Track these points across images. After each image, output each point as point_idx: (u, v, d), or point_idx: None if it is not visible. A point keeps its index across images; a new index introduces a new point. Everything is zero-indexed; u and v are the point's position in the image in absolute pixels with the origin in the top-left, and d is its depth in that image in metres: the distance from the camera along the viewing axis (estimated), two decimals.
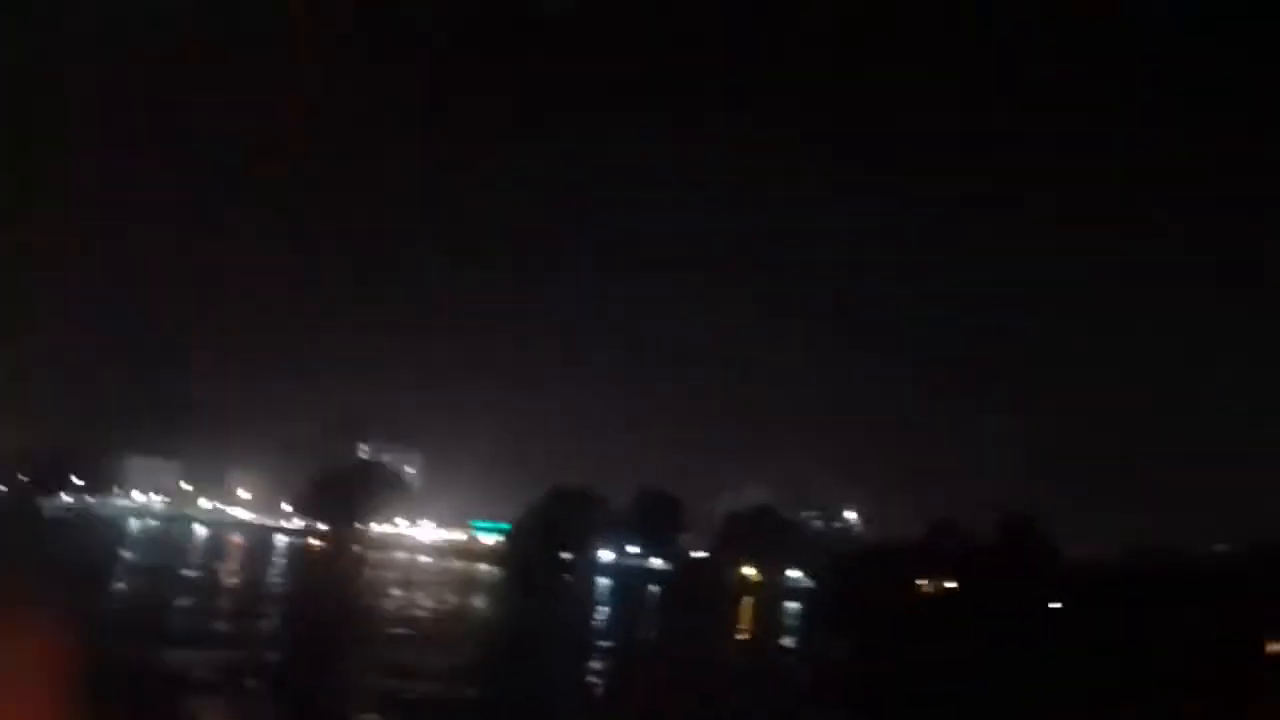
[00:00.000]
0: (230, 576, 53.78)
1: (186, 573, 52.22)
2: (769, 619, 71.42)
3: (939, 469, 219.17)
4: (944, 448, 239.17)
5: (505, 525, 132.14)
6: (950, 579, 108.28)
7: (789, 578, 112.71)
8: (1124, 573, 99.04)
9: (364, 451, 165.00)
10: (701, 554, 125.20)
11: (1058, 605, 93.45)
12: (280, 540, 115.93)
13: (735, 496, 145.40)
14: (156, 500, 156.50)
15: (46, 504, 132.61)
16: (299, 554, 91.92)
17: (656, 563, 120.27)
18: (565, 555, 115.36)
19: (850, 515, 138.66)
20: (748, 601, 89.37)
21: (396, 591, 56.95)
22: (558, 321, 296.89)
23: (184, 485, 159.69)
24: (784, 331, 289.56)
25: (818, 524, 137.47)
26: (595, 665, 34.83)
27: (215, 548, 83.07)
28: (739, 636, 56.49)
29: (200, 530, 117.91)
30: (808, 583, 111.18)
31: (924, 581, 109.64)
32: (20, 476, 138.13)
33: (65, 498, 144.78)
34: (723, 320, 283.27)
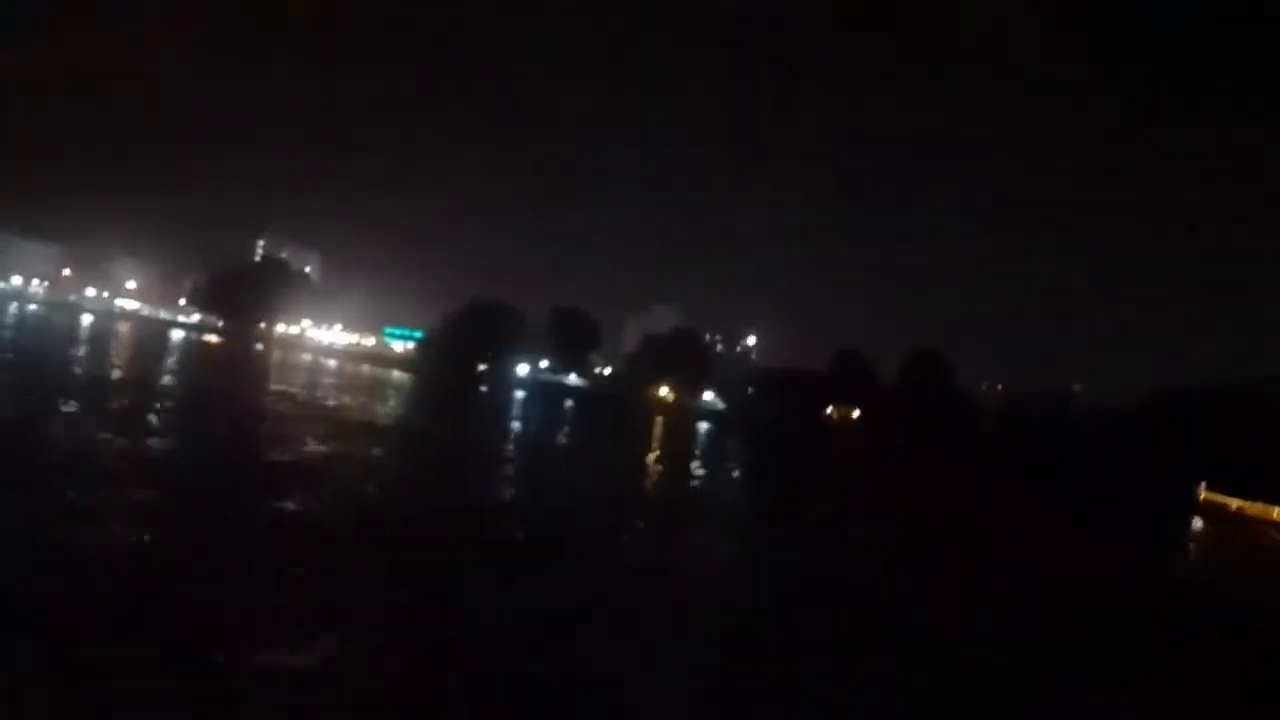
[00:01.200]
0: (119, 370, 49.74)
1: (70, 364, 48.05)
2: (681, 437, 71.60)
3: (839, 302, 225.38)
4: (845, 282, 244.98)
5: (419, 333, 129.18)
6: (856, 409, 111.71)
7: (703, 399, 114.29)
8: (1015, 411, 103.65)
9: (262, 247, 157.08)
10: (614, 371, 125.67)
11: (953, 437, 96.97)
12: (175, 334, 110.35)
13: (644, 316, 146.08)
14: (37, 286, 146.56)
15: None
16: (195, 350, 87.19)
17: (572, 379, 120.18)
18: (481, 367, 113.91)
19: (750, 340, 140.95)
20: (661, 420, 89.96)
21: (300, 392, 54.18)
22: (476, 135, 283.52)
23: (66, 272, 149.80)
24: (696, 160, 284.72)
25: (719, 347, 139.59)
26: (506, 473, 33.65)
27: (102, 338, 77.83)
28: (650, 453, 56.06)
29: (86, 319, 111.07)
30: (720, 405, 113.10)
31: (830, 410, 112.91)
32: None
33: None
34: (637, 146, 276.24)
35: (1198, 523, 55.67)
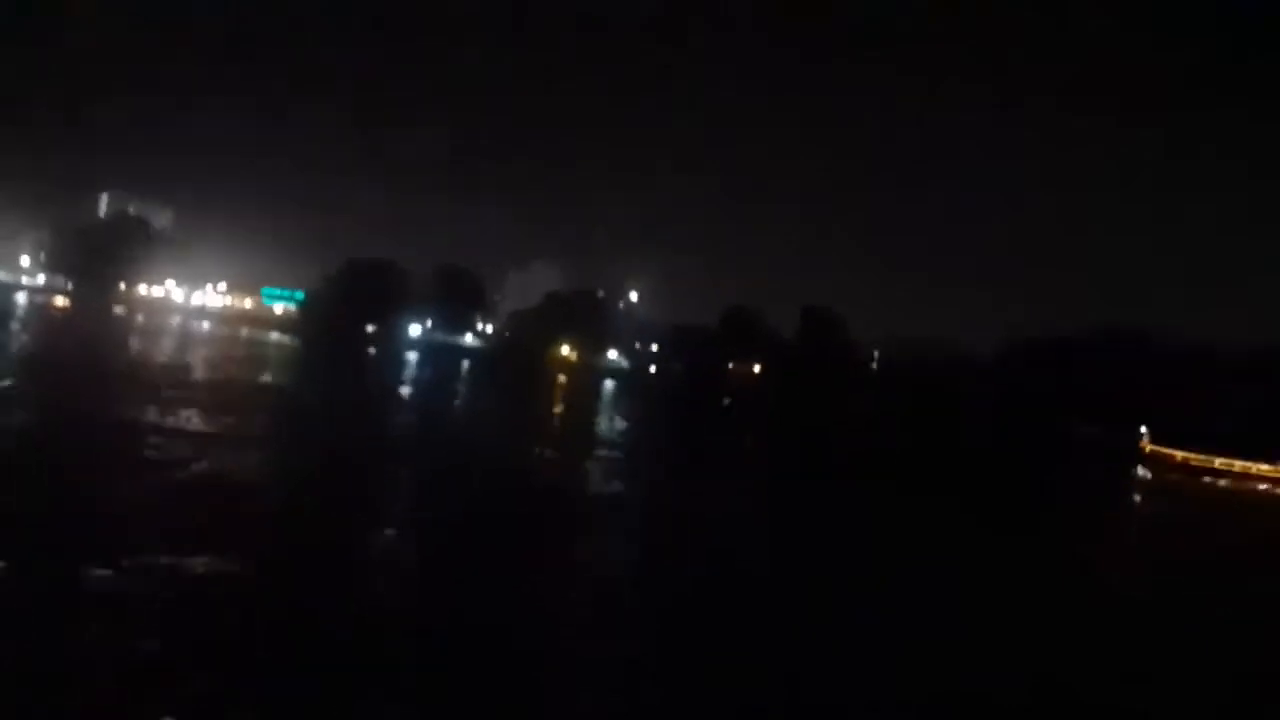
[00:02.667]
0: None
1: None
2: (584, 397, 68.39)
3: (728, 256, 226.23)
4: (729, 237, 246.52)
5: (299, 294, 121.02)
6: (756, 364, 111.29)
7: (606, 358, 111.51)
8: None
9: (106, 202, 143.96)
10: (509, 330, 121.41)
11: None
12: (19, 299, 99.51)
13: (524, 272, 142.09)
14: None
15: None
16: (42, 315, 78.41)
17: (467, 339, 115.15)
18: (368, 328, 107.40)
19: (633, 295, 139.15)
20: (563, 379, 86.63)
21: (166, 359, 48.32)
22: (348, 84, 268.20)
23: None
24: (581, 106, 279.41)
25: (605, 302, 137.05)
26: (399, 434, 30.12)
27: None
28: (553, 412, 52.99)
29: None
30: (624, 363, 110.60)
31: (731, 365, 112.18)
32: None
33: None
34: (518, 91, 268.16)
35: (1143, 472, 56.72)
